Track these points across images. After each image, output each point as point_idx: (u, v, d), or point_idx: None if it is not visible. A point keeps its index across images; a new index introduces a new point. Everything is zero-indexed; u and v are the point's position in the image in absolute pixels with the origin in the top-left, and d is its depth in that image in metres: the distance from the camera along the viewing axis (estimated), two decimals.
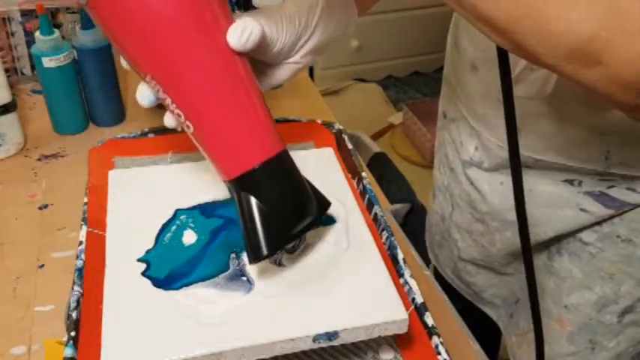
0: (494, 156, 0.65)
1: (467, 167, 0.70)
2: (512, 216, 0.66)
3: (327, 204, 0.45)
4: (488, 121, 0.64)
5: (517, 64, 0.56)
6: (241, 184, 0.42)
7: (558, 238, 0.67)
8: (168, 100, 0.40)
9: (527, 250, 0.58)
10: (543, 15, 0.37)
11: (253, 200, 0.41)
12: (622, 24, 0.35)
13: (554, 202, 0.63)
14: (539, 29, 0.37)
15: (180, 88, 0.40)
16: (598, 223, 0.63)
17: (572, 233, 0.65)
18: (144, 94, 0.42)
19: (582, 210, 0.62)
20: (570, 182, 0.62)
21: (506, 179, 0.66)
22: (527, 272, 0.59)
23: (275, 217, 0.42)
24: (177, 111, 0.40)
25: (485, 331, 0.76)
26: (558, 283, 0.68)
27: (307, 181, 0.44)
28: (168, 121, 0.44)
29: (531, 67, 0.55)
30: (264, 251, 0.42)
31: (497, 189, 0.67)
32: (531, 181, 0.64)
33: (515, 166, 0.53)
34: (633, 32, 0.35)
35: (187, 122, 0.41)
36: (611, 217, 0.62)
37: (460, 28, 0.67)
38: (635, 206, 0.61)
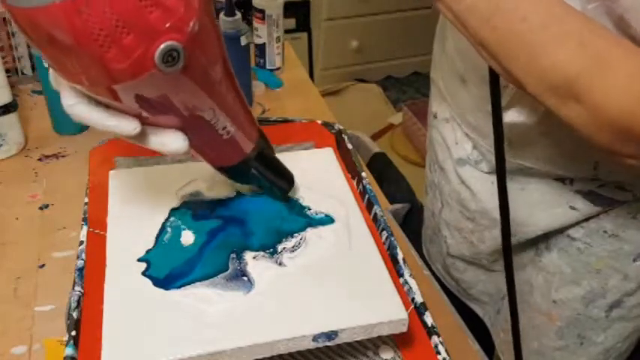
0: (488, 161, 0.66)
1: (460, 165, 0.70)
2: None
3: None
4: (481, 131, 0.65)
5: (506, 93, 0.57)
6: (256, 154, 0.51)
7: (546, 235, 0.68)
8: (224, 123, 0.45)
9: (508, 256, 0.60)
10: (535, 49, 0.41)
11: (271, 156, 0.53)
12: (602, 73, 0.40)
13: (545, 200, 0.64)
14: (528, 61, 0.42)
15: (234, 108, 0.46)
16: (585, 219, 0.64)
17: (560, 229, 0.66)
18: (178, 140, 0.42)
19: (571, 208, 0.63)
20: (562, 181, 0.62)
21: None
22: (507, 273, 0.61)
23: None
24: (229, 127, 0.45)
25: (481, 330, 0.77)
26: (547, 279, 0.69)
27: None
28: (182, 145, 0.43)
29: (520, 95, 0.56)
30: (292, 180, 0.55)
31: (488, 188, 0.68)
32: (524, 180, 0.64)
33: (502, 182, 0.56)
34: (610, 83, 0.40)
35: (231, 128, 0.46)
36: (599, 213, 0.63)
37: (449, 40, 0.67)
38: (623, 203, 0.61)
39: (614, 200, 0.61)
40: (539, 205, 0.64)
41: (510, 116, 0.58)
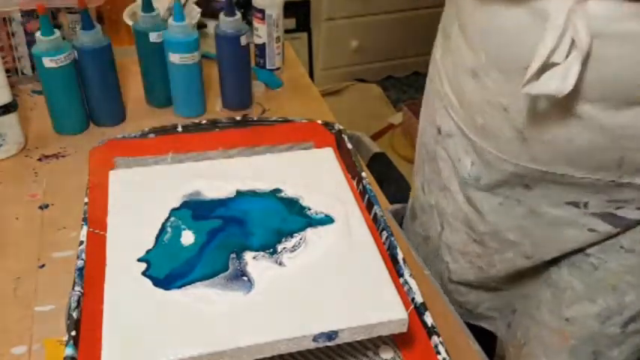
0: (495, 170, 0.61)
1: (464, 186, 0.66)
2: (513, 236, 0.64)
3: None
4: (488, 132, 0.60)
5: (535, 58, 0.49)
6: None
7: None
8: None
9: None
10: None
11: None
12: None
13: (559, 222, 0.61)
14: None
15: None
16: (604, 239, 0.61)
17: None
18: None
19: (590, 230, 0.60)
20: (575, 205, 0.58)
21: (505, 200, 0.63)
22: None
23: None
24: None
25: (481, 330, 0.76)
26: (557, 295, 0.66)
27: None
28: None
29: (550, 60, 0.48)
30: None
31: (496, 209, 0.64)
32: (533, 203, 0.60)
33: None
34: None
35: None
36: (618, 233, 0.59)
37: (454, 34, 0.62)
38: None
39: (634, 220, 0.58)
40: (553, 227, 0.61)
41: (532, 90, 0.50)
